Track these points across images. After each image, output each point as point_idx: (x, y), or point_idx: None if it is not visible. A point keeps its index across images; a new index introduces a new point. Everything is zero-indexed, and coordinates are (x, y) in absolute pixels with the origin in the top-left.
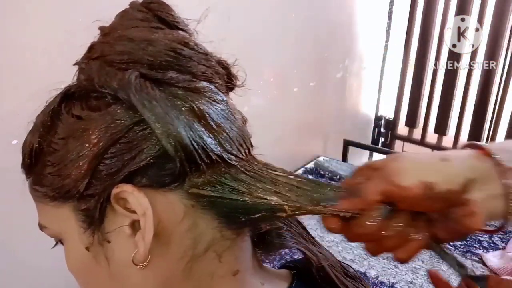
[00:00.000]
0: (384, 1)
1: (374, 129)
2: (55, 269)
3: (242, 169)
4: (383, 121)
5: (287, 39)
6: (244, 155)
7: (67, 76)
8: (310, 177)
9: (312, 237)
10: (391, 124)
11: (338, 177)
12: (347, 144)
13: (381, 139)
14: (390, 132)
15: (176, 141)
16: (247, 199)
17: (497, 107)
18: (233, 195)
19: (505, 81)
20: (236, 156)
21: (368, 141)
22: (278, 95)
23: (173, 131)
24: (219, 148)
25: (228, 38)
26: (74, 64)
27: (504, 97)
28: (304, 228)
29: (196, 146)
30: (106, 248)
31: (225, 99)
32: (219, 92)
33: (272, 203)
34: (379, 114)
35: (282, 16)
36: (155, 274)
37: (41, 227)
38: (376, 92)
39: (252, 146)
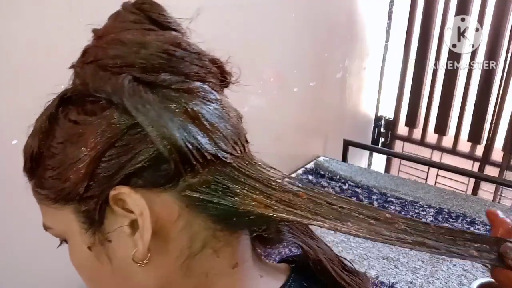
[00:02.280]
0: (384, 1)
1: (374, 129)
2: (56, 270)
3: (237, 166)
4: (383, 121)
5: (287, 39)
6: (239, 152)
7: (68, 76)
8: (310, 177)
9: (311, 231)
10: (391, 124)
11: (338, 177)
12: (347, 144)
13: (381, 139)
14: (390, 132)
15: (170, 144)
16: (238, 205)
17: (497, 107)
18: (226, 198)
19: (505, 81)
20: (231, 154)
21: (368, 141)
22: (278, 95)
23: (167, 134)
24: (214, 148)
25: (229, 38)
26: (70, 68)
27: (504, 97)
28: None
29: (191, 147)
30: (107, 247)
31: (218, 98)
32: (213, 91)
33: (265, 213)
34: (379, 114)
35: (282, 16)
36: (155, 271)
37: (46, 228)
38: (376, 92)
39: (247, 142)
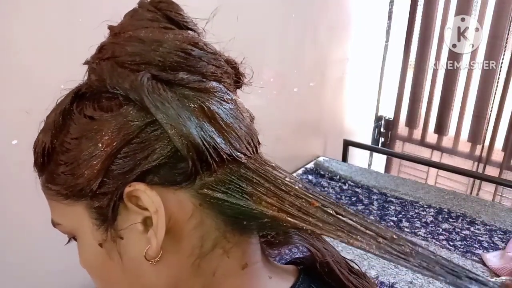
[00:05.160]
0: (384, 1)
1: (374, 129)
2: (56, 270)
3: (251, 167)
4: (383, 121)
5: (287, 39)
6: (252, 153)
7: (68, 76)
8: (310, 177)
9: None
10: (391, 124)
11: (338, 177)
12: (347, 144)
13: (381, 139)
14: (390, 132)
15: (189, 142)
16: (252, 206)
17: (497, 107)
18: (241, 198)
19: (505, 81)
20: (245, 154)
21: (368, 141)
22: (278, 95)
23: (185, 132)
24: (229, 147)
25: (228, 38)
26: (84, 64)
27: (504, 97)
28: None
29: (208, 146)
30: (119, 244)
31: (233, 98)
32: (228, 92)
33: (279, 217)
34: (379, 114)
35: (282, 16)
36: (166, 269)
37: (54, 224)
38: (376, 92)
39: (259, 143)
